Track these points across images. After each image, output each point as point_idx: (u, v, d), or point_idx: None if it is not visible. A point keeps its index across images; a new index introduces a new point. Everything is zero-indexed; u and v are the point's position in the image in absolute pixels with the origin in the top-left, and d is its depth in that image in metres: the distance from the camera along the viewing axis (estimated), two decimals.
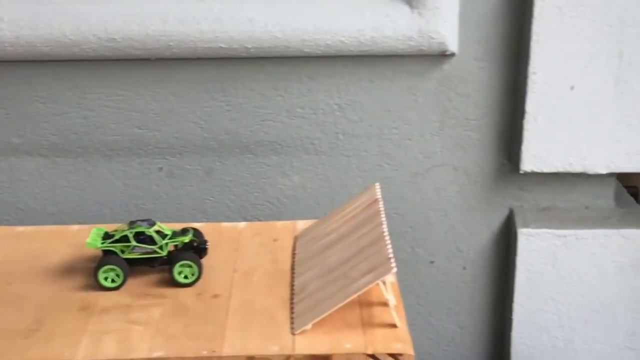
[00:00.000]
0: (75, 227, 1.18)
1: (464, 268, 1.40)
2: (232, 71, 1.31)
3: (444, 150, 1.35)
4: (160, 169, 1.36)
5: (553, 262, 1.33)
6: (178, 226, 1.06)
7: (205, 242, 1.04)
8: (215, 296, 0.97)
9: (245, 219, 1.36)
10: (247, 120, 1.33)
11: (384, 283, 0.91)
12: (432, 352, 1.43)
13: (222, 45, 1.27)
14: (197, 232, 1.04)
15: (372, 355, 0.87)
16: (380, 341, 0.88)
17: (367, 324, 0.92)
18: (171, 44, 1.27)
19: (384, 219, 0.99)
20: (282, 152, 1.35)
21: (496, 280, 1.40)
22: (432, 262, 1.40)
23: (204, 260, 1.03)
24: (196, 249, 1.03)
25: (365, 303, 0.95)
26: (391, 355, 0.87)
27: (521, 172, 1.31)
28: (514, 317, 1.35)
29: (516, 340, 1.36)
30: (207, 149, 1.34)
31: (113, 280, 0.99)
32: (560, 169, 1.31)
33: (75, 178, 1.36)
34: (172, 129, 1.33)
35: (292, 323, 0.91)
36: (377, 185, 1.08)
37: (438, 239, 1.38)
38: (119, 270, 0.99)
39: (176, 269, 0.99)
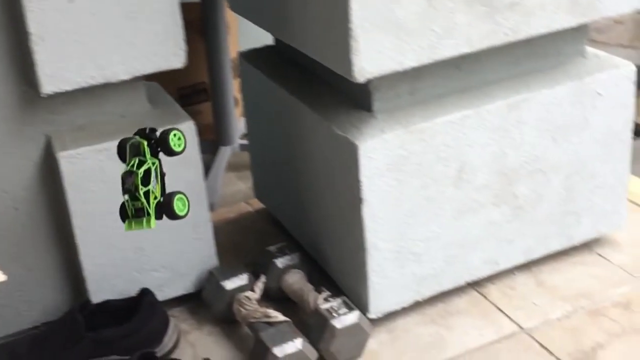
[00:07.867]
0: None
1: (16, 209, 1.33)
2: None
3: None
4: None
5: (102, 177, 1.32)
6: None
7: (153, 129, 1.10)
8: None
9: None
10: None
11: None
12: (5, 303, 1.35)
13: None
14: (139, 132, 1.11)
15: None
16: None
17: None
18: None
19: None
20: None
21: (53, 211, 1.35)
22: None
23: None
24: (152, 134, 1.10)
25: None
26: None
27: (43, 95, 1.26)
28: (78, 242, 1.32)
29: (86, 262, 1.34)
30: None
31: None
32: (83, 84, 1.28)
33: None
34: None
35: None
36: None
37: None
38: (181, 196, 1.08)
39: (173, 141, 1.10)
